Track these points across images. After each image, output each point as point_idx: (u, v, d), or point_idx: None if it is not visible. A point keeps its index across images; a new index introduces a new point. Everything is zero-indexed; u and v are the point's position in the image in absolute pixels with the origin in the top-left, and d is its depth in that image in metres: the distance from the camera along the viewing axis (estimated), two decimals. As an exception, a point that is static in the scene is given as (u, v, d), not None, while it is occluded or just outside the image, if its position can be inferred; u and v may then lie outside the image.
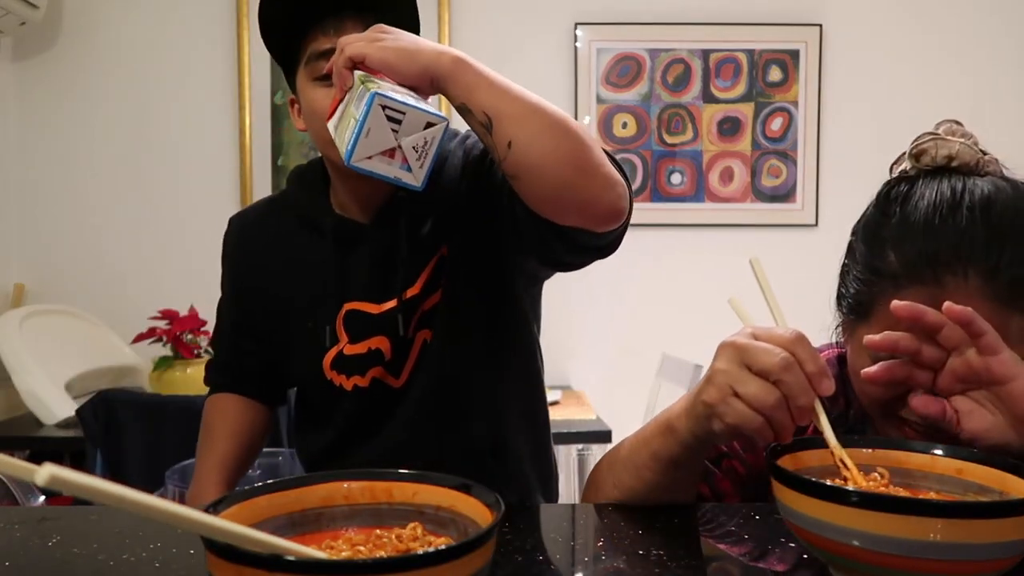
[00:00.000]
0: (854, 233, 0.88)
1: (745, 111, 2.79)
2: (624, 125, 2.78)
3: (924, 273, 0.77)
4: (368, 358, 1.09)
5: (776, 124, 2.79)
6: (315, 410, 1.18)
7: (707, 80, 2.78)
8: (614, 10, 2.77)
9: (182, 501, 1.80)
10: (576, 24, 2.77)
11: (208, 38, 2.75)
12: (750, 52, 2.77)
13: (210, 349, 1.37)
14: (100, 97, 2.75)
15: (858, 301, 0.83)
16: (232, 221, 1.24)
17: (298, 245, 1.14)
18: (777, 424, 0.67)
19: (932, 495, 0.68)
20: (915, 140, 0.85)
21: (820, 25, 2.77)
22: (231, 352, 1.24)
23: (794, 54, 2.77)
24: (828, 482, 0.63)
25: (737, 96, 2.78)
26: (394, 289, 1.07)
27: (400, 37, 0.85)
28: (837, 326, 0.90)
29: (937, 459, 0.69)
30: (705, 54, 2.77)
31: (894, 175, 0.88)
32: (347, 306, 1.09)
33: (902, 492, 0.67)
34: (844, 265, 0.88)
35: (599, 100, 2.77)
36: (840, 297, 0.87)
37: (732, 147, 2.79)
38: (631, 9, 2.77)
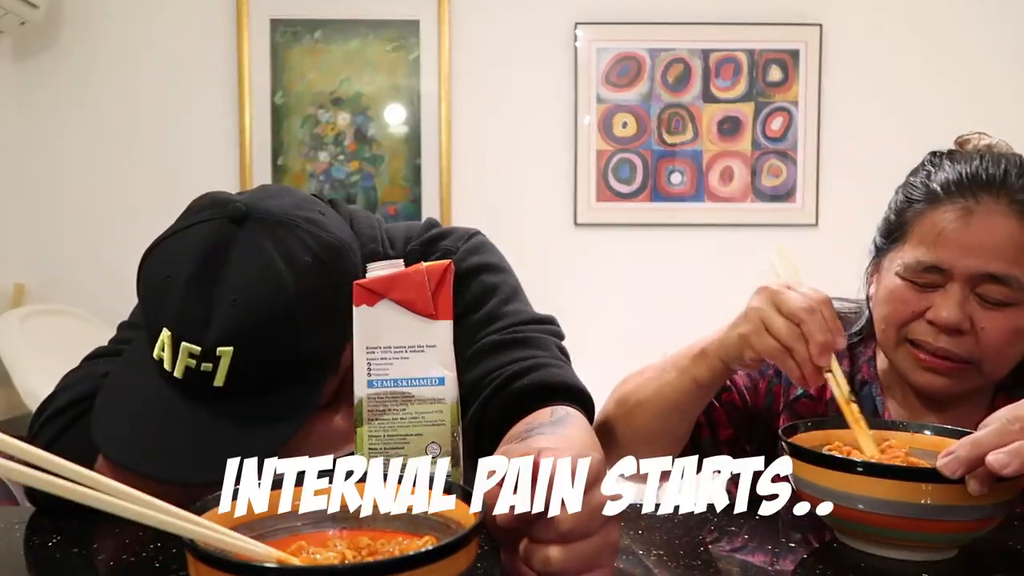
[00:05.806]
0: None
1: (745, 111, 2.78)
2: (624, 125, 2.78)
3: (963, 190, 0.89)
4: None
5: (776, 124, 2.79)
6: None
7: (707, 80, 2.78)
8: (614, 10, 2.77)
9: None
10: (576, 24, 2.76)
11: (208, 38, 2.75)
12: (750, 52, 2.77)
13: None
14: (100, 97, 2.75)
15: (899, 221, 0.95)
16: None
17: None
18: (798, 356, 0.80)
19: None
20: (957, 138, 0.99)
21: (820, 25, 2.76)
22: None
23: (794, 54, 2.77)
24: (836, 454, 0.75)
25: (737, 96, 2.78)
26: None
27: None
28: (870, 271, 1.01)
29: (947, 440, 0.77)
30: (705, 54, 2.77)
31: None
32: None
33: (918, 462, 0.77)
34: (886, 212, 0.99)
35: (599, 100, 2.77)
36: (877, 234, 0.99)
37: (732, 147, 2.79)
38: (631, 9, 2.77)
